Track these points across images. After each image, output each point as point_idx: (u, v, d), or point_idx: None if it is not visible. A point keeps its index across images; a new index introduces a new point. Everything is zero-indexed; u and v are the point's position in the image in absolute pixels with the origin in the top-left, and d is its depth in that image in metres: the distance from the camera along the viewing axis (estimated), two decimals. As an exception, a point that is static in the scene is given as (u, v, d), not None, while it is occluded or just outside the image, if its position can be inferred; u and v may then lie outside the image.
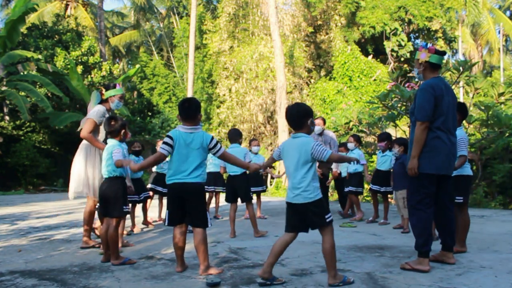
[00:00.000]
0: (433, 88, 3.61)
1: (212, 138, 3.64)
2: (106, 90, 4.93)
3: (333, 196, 11.08)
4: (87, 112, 4.96)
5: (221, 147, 3.66)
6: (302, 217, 3.24)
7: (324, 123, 7.55)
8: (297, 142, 3.28)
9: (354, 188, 6.99)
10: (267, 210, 8.63)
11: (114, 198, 4.00)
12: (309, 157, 3.20)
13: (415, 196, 3.69)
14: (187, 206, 3.56)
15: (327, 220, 3.19)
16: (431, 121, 3.60)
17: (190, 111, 3.57)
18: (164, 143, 3.53)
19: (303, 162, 3.22)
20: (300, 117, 3.31)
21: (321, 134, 7.36)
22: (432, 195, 3.69)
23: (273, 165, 18.90)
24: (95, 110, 4.73)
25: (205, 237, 3.56)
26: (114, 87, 4.97)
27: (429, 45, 3.84)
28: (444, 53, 3.87)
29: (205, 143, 3.57)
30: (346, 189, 7.11)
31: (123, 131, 4.16)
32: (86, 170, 4.64)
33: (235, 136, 5.66)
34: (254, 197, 7.70)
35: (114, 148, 4.03)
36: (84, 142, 4.77)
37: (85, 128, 4.63)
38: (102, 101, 4.90)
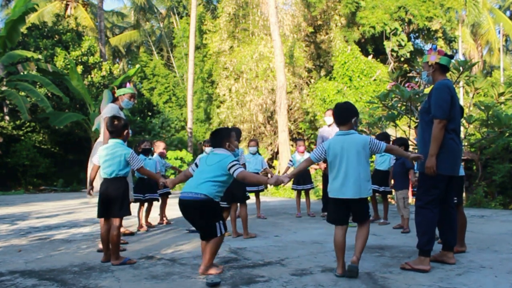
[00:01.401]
0: (449, 88, 3.68)
1: (232, 161, 3.54)
2: (118, 89, 5.05)
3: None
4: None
5: (237, 169, 3.50)
6: (353, 211, 3.48)
7: None
8: (352, 139, 3.44)
9: None
10: (267, 210, 8.63)
11: (121, 198, 3.98)
12: (367, 151, 3.42)
13: (426, 197, 3.69)
14: (195, 220, 3.60)
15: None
16: (448, 120, 3.64)
17: (215, 140, 3.71)
18: (195, 163, 3.84)
19: (364, 157, 3.41)
20: (348, 113, 3.50)
21: (331, 125, 7.48)
22: (441, 196, 3.72)
23: (273, 164, 18.92)
24: (108, 109, 4.82)
25: (217, 242, 3.52)
26: (124, 86, 5.07)
27: (438, 47, 3.90)
28: (452, 56, 3.95)
29: (224, 164, 3.51)
30: None
31: (125, 131, 4.15)
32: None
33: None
34: (253, 196, 7.69)
35: (120, 150, 4.02)
36: (99, 141, 4.92)
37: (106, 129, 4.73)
38: (115, 100, 5.03)
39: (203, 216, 3.50)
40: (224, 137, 3.71)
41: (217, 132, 3.81)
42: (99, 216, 4.09)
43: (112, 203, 3.98)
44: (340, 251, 3.43)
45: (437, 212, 3.68)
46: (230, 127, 4.48)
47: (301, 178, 7.87)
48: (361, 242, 3.44)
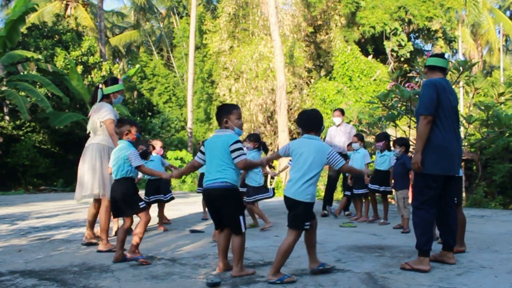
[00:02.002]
0: (435, 85, 3.69)
1: (237, 141, 3.43)
2: (106, 85, 4.88)
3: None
4: (88, 110, 5.00)
5: (241, 154, 3.41)
6: (291, 212, 3.39)
7: (343, 114, 7.78)
8: (314, 144, 3.39)
9: (363, 190, 6.89)
10: (267, 210, 8.61)
11: (128, 197, 4.03)
12: (324, 161, 3.35)
13: (420, 197, 3.69)
14: (220, 211, 3.50)
15: (304, 226, 3.39)
16: (436, 118, 3.63)
17: (217, 116, 3.64)
18: (199, 151, 3.67)
19: (316, 165, 3.33)
20: (318, 120, 3.48)
21: (339, 125, 7.60)
22: (437, 196, 3.71)
23: (273, 164, 18.91)
24: (107, 110, 4.71)
25: (241, 242, 3.44)
26: (116, 82, 4.90)
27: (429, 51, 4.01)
28: (440, 55, 3.97)
29: (226, 144, 3.42)
30: (357, 191, 6.99)
31: (133, 129, 4.14)
32: (101, 170, 4.67)
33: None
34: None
35: (124, 151, 4.04)
36: (91, 140, 4.77)
37: (110, 129, 4.64)
38: (103, 97, 4.87)
39: (229, 205, 3.44)
40: (224, 113, 3.58)
41: (221, 107, 3.70)
42: (114, 216, 4.17)
43: (120, 203, 4.07)
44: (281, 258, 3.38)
45: (433, 212, 3.67)
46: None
47: None
48: (285, 255, 3.33)
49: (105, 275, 3.57)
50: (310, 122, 3.50)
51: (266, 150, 6.14)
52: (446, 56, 4.05)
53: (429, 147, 3.65)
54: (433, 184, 3.65)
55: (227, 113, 3.57)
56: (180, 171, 4.09)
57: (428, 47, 21.68)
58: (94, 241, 4.86)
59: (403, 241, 4.99)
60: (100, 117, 4.71)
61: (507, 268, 3.63)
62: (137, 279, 3.44)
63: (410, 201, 6.09)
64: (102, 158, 4.67)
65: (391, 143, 6.39)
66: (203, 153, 3.61)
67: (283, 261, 3.35)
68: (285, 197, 3.40)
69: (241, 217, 3.44)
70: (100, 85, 4.90)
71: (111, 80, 4.93)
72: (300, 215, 3.32)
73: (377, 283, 3.23)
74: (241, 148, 3.43)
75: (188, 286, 3.24)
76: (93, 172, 4.66)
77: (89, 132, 4.95)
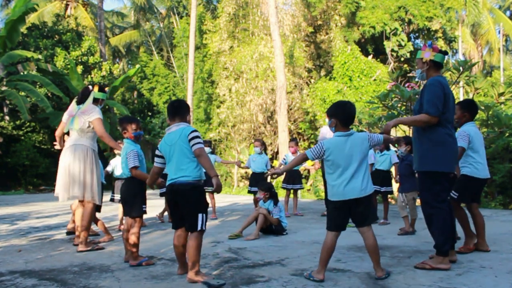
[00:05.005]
0: (442, 84, 3.63)
1: (194, 130, 3.37)
2: (98, 90, 4.98)
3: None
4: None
5: (198, 143, 3.30)
6: (358, 210, 3.31)
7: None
8: (355, 139, 3.35)
9: None
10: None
11: (131, 198, 4.04)
12: (367, 150, 3.37)
13: (432, 198, 3.62)
14: (180, 208, 3.38)
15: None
16: (442, 116, 3.60)
17: (179, 109, 3.50)
18: (155, 155, 3.55)
19: (363, 158, 3.34)
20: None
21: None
22: (446, 191, 3.67)
23: (273, 165, 18.90)
24: (97, 111, 4.74)
25: (198, 242, 3.28)
26: (103, 91, 5.05)
27: (433, 44, 3.83)
28: (446, 52, 3.88)
29: (184, 135, 3.34)
30: None
31: (130, 127, 4.12)
32: (85, 173, 4.63)
33: None
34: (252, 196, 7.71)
35: (127, 150, 4.06)
36: (75, 141, 4.66)
37: (100, 128, 4.62)
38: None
39: (189, 202, 3.32)
40: (187, 107, 3.55)
41: (177, 102, 3.64)
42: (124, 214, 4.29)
43: (123, 203, 4.12)
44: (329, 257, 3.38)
45: (447, 209, 3.60)
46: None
47: (291, 177, 7.92)
48: (377, 248, 3.32)
49: (105, 275, 3.57)
50: (352, 115, 3.45)
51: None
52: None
53: (433, 145, 3.60)
54: (442, 181, 3.60)
55: (188, 108, 3.59)
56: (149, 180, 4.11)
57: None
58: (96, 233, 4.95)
59: (403, 241, 4.99)
60: (90, 117, 4.66)
61: (507, 268, 3.63)
62: (137, 279, 3.44)
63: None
64: (86, 161, 4.64)
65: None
66: (159, 156, 3.55)
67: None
68: (356, 200, 3.27)
69: (200, 215, 3.35)
70: (91, 87, 4.91)
71: (101, 87, 5.06)
72: (369, 206, 3.34)
73: (377, 283, 3.23)
74: (199, 137, 3.38)
75: (188, 286, 3.24)
76: (91, 174, 4.63)
77: (68, 131, 4.81)
